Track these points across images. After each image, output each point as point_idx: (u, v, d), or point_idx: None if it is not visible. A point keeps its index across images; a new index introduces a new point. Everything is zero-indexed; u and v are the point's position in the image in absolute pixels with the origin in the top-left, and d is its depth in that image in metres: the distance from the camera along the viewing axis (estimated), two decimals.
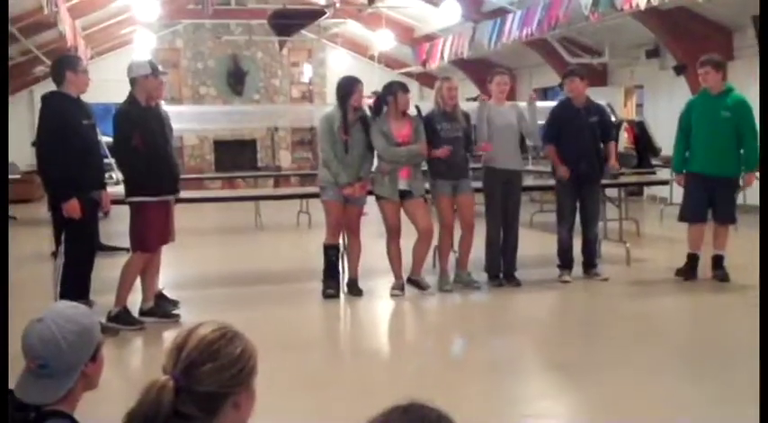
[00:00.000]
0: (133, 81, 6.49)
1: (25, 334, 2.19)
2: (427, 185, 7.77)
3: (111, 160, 7.40)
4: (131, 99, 6.50)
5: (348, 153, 7.35)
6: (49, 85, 6.63)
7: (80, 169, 6.19)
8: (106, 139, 8.36)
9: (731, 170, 7.82)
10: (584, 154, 7.89)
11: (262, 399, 2.01)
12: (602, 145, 8.11)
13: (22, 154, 16.70)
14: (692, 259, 7.96)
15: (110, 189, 6.94)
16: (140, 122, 6.41)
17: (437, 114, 7.64)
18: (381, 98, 7.58)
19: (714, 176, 7.67)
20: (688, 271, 7.94)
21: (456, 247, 7.94)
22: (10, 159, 18.07)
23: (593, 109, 8.09)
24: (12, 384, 2.21)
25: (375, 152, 7.53)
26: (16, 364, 2.29)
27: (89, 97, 6.67)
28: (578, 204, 8.07)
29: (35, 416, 2.18)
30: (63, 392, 2.18)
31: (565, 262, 8.11)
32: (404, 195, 7.49)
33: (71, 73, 6.32)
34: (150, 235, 6.53)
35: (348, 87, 7.42)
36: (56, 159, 6.13)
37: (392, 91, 7.54)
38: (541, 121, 8.48)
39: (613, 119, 10.16)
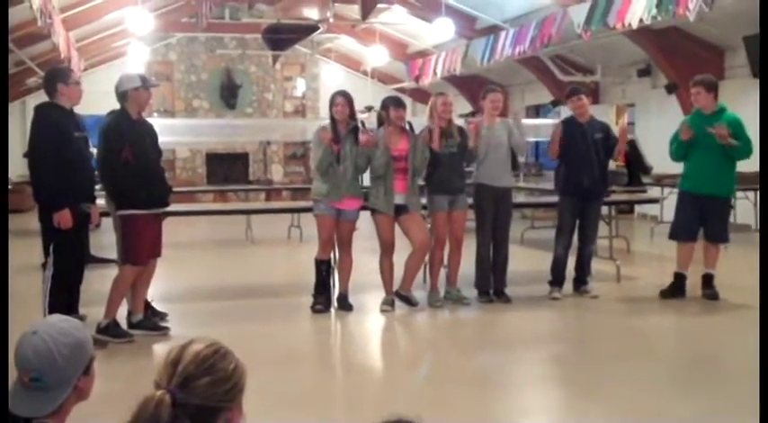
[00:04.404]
0: (124, 94, 6.46)
1: (19, 346, 2.18)
2: (424, 200, 7.79)
3: None
4: (122, 112, 6.49)
5: (340, 164, 7.37)
6: (41, 97, 6.63)
7: (71, 180, 6.19)
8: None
9: (724, 190, 7.84)
10: (588, 170, 7.92)
11: (251, 414, 2.02)
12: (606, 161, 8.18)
13: (13, 165, 16.63)
14: (679, 278, 7.95)
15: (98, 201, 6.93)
16: (131, 136, 6.39)
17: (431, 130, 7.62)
18: (381, 113, 7.69)
19: (707, 196, 7.67)
20: (672, 291, 7.92)
21: (446, 262, 7.95)
22: None
23: (597, 126, 8.13)
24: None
25: (369, 164, 7.54)
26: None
27: (82, 109, 6.67)
28: (578, 222, 8.10)
29: None
30: (55, 406, 2.18)
31: (557, 279, 8.12)
32: (400, 210, 7.50)
33: (62, 85, 6.33)
34: (141, 248, 6.50)
35: (330, 99, 7.54)
36: (48, 169, 6.13)
37: (384, 106, 7.63)
38: (529, 139, 8.50)
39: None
